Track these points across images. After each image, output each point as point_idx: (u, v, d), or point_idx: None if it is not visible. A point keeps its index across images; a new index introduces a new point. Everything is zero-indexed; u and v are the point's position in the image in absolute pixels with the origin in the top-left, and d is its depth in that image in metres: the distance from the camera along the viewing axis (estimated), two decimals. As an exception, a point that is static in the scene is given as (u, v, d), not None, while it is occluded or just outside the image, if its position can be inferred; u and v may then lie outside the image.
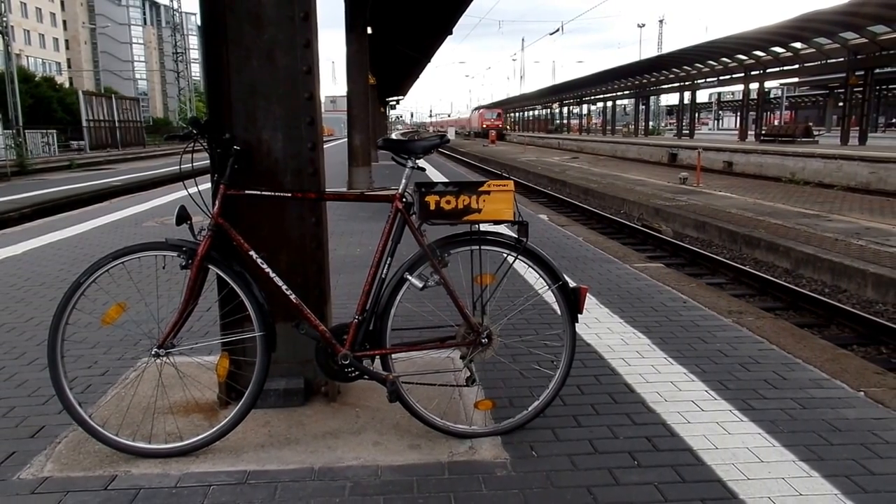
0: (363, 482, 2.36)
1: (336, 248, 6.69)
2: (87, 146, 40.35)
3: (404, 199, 2.60)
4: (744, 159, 25.04)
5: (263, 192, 2.67)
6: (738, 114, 48.74)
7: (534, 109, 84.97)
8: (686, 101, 42.38)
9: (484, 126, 74.97)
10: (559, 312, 2.70)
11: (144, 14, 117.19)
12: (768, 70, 30.91)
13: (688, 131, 41.71)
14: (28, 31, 73.33)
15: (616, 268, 5.97)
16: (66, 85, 64.23)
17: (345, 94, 13.50)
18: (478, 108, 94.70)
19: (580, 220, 13.19)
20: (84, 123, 40.48)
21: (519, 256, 2.63)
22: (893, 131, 50.79)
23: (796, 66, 29.05)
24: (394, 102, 58.92)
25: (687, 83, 39.09)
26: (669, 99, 76.60)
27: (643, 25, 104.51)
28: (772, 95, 59.08)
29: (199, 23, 3.09)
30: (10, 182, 21.17)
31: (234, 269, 2.59)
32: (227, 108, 2.84)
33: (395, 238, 2.59)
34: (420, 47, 20.86)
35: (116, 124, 44.51)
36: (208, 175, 2.75)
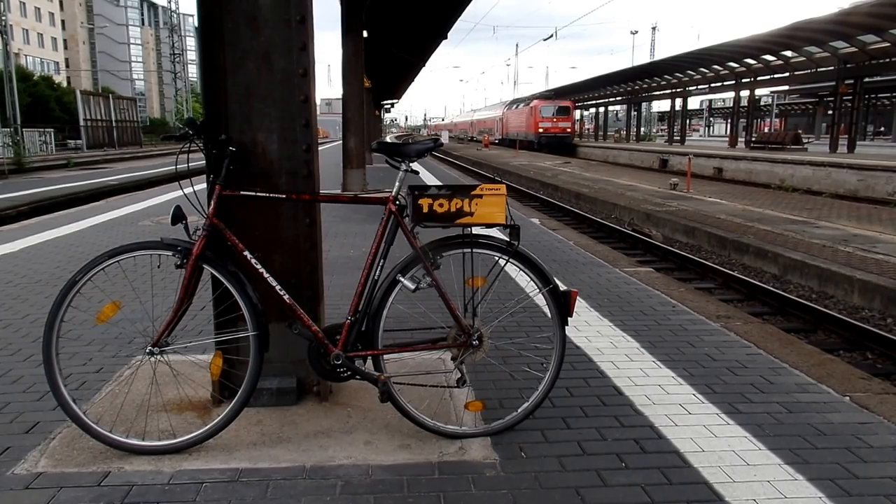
0: (354, 481, 2.38)
1: (330, 249, 6.72)
2: (84, 145, 40.22)
3: (398, 202, 2.62)
4: (734, 166, 25.22)
5: (258, 193, 2.70)
6: (729, 121, 49.03)
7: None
8: (677, 107, 42.59)
9: (540, 131, 46.22)
10: (549, 315, 2.74)
11: (142, 15, 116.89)
12: (759, 78, 31.10)
13: (679, 137, 41.92)
14: (27, 31, 72.91)
15: (606, 272, 6.01)
16: (64, 84, 64.01)
17: (340, 96, 13.50)
18: (523, 101, 56.72)
19: (571, 224, 13.26)
20: (81, 123, 40.35)
21: (510, 260, 2.66)
22: (882, 139, 51.21)
23: (787, 74, 29.23)
24: (388, 106, 58.87)
25: (678, 90, 39.27)
26: (661, 105, 74.09)
27: (636, 32, 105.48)
28: (762, 103, 59.48)
29: (196, 24, 3.12)
30: (7, 180, 21.05)
31: (229, 269, 2.61)
32: (223, 109, 2.87)
33: (388, 240, 2.62)
34: (415, 51, 20.90)
35: (113, 124, 44.38)
36: (204, 175, 2.78)
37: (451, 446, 2.65)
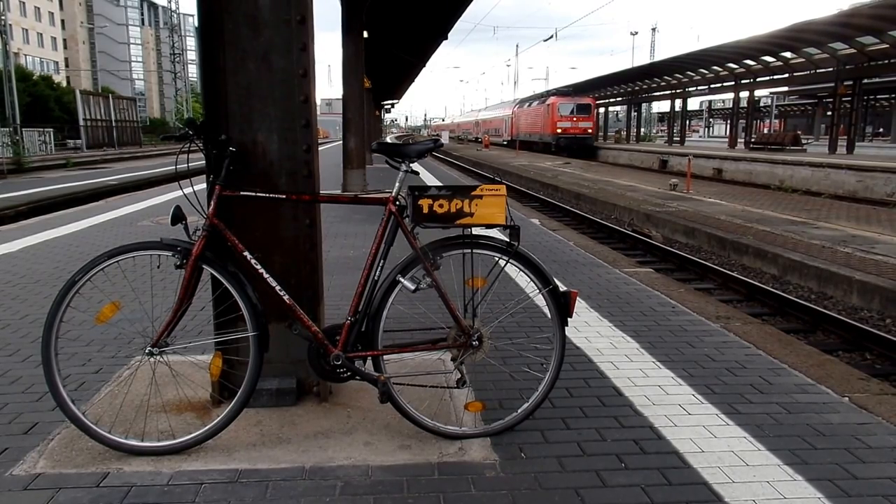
0: (354, 482, 2.38)
1: (329, 249, 6.71)
2: (83, 145, 40.16)
3: (398, 202, 2.62)
4: (733, 166, 25.23)
5: (258, 194, 2.70)
6: (729, 122, 49.03)
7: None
8: (677, 108, 42.59)
9: (558, 131, 40.90)
10: (549, 316, 2.74)
11: (142, 15, 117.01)
12: (758, 79, 31.12)
13: (679, 138, 41.92)
14: (26, 30, 72.85)
15: (606, 272, 6.01)
16: (64, 84, 64.00)
17: (340, 97, 13.51)
18: (537, 98, 50.42)
19: (571, 225, 13.26)
20: (81, 122, 40.31)
21: (510, 260, 2.66)
22: (881, 140, 51.24)
23: (786, 75, 29.26)
24: (389, 106, 58.87)
25: (678, 91, 39.27)
26: (661, 106, 73.61)
27: (636, 33, 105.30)
28: (761, 104, 59.48)
29: (196, 24, 3.11)
30: (6, 180, 21.04)
31: (229, 270, 2.61)
32: (223, 109, 2.87)
33: (388, 240, 2.62)
34: (415, 51, 20.91)
35: (113, 124, 44.34)
36: (204, 175, 2.78)
37: (450, 447, 2.65)
